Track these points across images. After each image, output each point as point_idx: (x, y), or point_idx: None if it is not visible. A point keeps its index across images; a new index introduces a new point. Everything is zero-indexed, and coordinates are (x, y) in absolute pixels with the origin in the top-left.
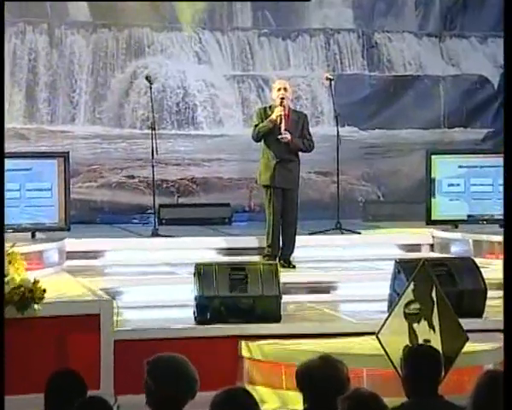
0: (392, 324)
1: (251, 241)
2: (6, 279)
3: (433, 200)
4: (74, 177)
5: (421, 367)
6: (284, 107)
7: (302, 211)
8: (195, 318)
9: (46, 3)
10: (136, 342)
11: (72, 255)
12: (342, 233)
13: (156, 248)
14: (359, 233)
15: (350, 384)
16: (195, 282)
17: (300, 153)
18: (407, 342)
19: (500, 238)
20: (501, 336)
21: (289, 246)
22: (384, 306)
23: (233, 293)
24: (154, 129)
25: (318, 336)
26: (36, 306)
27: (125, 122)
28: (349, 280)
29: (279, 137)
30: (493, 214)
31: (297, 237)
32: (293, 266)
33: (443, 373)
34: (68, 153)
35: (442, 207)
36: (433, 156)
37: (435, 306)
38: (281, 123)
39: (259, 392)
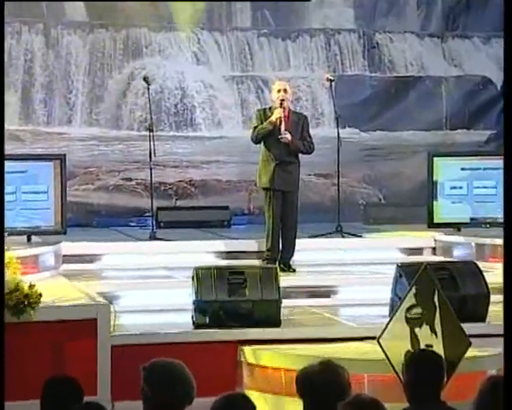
0: (393, 328)
1: (250, 244)
2: None
3: (435, 203)
4: (71, 179)
5: (422, 373)
6: (284, 108)
7: (302, 214)
8: (194, 322)
9: (42, 3)
10: (133, 347)
11: (68, 259)
12: (343, 236)
13: (154, 252)
14: (360, 236)
15: (351, 390)
16: (194, 286)
17: (300, 155)
18: (409, 347)
19: None
20: None
21: (289, 249)
22: (385, 310)
23: (232, 297)
24: (152, 131)
25: (319, 341)
26: (31, 310)
27: (122, 124)
28: (350, 284)
29: (279, 137)
30: (496, 217)
31: (297, 241)
32: (293, 270)
33: (445, 379)
34: (65, 155)
35: (444, 210)
36: (435, 158)
37: (437, 310)
38: (280, 125)
39: (259, 398)
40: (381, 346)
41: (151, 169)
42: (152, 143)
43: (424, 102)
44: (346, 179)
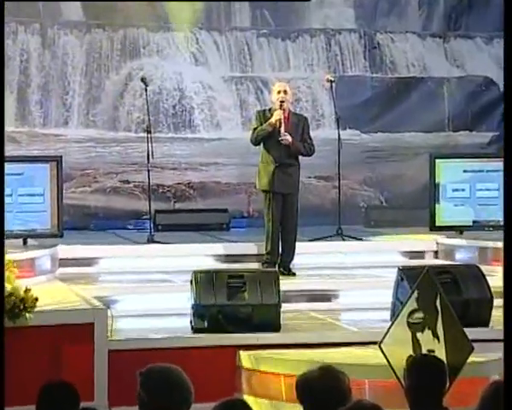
0: (395, 333)
1: (249, 247)
2: None
3: (437, 205)
4: (67, 182)
5: (424, 378)
6: (284, 110)
7: (302, 217)
8: (192, 327)
9: (38, 3)
10: (131, 352)
11: (65, 263)
12: (343, 240)
13: (152, 255)
14: (361, 240)
15: (351, 396)
16: (192, 290)
17: (300, 157)
18: (410, 352)
19: None
20: None
21: (289, 253)
22: (387, 314)
23: (231, 301)
24: (150, 132)
25: (319, 346)
26: (27, 315)
27: (119, 125)
28: (351, 288)
29: (280, 139)
30: (499, 220)
31: (297, 244)
32: (293, 274)
33: (447, 384)
34: (61, 157)
35: (446, 212)
36: (437, 160)
37: (439, 315)
38: (280, 127)
39: (258, 403)
40: (382, 351)
41: (149, 171)
42: (150, 144)
43: (426, 104)
44: (347, 182)
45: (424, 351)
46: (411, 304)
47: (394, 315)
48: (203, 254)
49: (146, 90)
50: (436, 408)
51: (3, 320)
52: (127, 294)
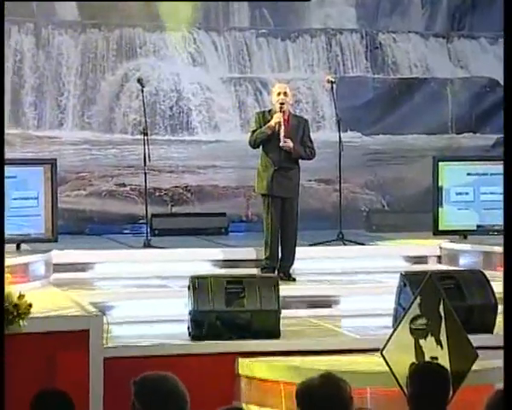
0: (397, 340)
1: (248, 252)
2: None
3: (440, 209)
4: (62, 185)
5: (427, 386)
6: (284, 112)
7: (302, 221)
8: (190, 333)
9: (32, 2)
10: (127, 359)
11: (59, 268)
12: (345, 244)
13: (148, 261)
14: (363, 244)
15: (353, 404)
16: (190, 296)
17: (301, 160)
18: (413, 359)
19: None
20: None
21: (289, 258)
22: (389, 321)
23: (229, 307)
24: (147, 134)
25: (319, 353)
26: (21, 321)
27: (115, 127)
28: (352, 294)
29: (281, 145)
30: None
31: (297, 249)
32: (293, 279)
33: (451, 393)
34: (56, 160)
35: (450, 216)
36: (440, 163)
37: (443, 321)
38: (279, 130)
39: None
40: (384, 358)
41: (145, 174)
42: (146, 147)
43: (429, 105)
44: (348, 185)
45: (427, 358)
46: (414, 310)
47: (396, 321)
48: (201, 260)
49: (142, 91)
50: None
51: (4, 322)
52: (123, 300)
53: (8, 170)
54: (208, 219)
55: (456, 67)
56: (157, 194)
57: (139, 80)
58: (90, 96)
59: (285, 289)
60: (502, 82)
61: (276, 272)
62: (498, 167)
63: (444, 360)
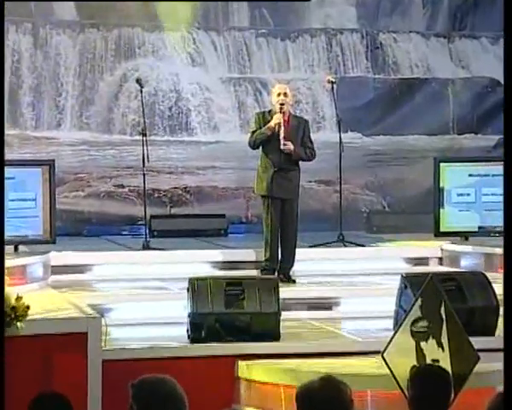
0: (398, 342)
1: (248, 254)
2: None
3: (441, 210)
4: (60, 186)
5: (429, 389)
6: (284, 113)
7: (302, 222)
8: (189, 336)
9: (30, 2)
10: (125, 362)
11: (57, 270)
12: (345, 246)
13: (147, 262)
14: (363, 246)
15: (353, 407)
16: (189, 298)
17: (301, 161)
18: (414, 361)
19: None
20: None
21: (289, 259)
22: (390, 323)
23: (229, 309)
24: (145, 135)
25: (320, 356)
26: (19, 324)
27: (114, 128)
28: (352, 296)
29: (281, 147)
30: None
31: (297, 250)
32: (293, 281)
33: (452, 395)
34: (54, 161)
35: (451, 218)
36: (441, 164)
37: (444, 323)
38: (279, 131)
39: None
40: (385, 361)
41: (144, 175)
42: (145, 148)
43: (430, 105)
44: (349, 186)
45: (428, 361)
46: (415, 312)
47: (397, 324)
48: (200, 261)
49: (141, 91)
50: None
51: (3, 323)
52: (122, 302)
53: (6, 171)
54: (207, 220)
55: (458, 67)
56: (156, 195)
57: (138, 81)
58: (88, 96)
59: (285, 291)
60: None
61: (276, 273)
62: (500, 168)
63: (445, 363)
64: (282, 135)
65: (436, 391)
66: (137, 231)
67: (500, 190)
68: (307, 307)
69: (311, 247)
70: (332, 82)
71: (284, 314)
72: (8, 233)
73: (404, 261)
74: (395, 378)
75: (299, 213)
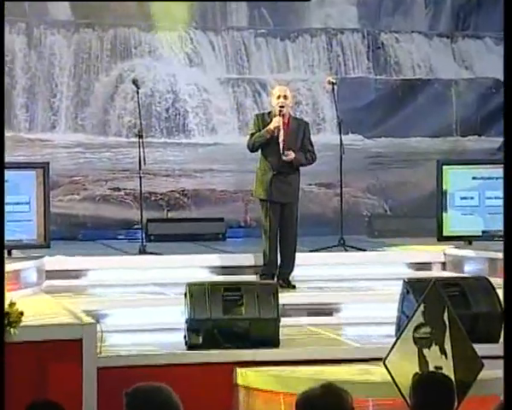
0: (400, 349)
1: (247, 259)
2: None
3: (444, 214)
4: (54, 189)
5: (431, 397)
6: (284, 115)
7: (302, 226)
8: (186, 342)
9: (24, 2)
10: (121, 369)
11: (51, 275)
12: (346, 250)
13: (144, 267)
14: (364, 250)
15: None
16: (186, 303)
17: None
18: (417, 369)
19: None
20: None
21: (288, 264)
22: (392, 329)
23: (227, 315)
24: (142, 137)
25: (320, 363)
26: (12, 330)
27: (109, 130)
28: (353, 301)
29: (283, 158)
30: None
31: (297, 255)
32: (293, 286)
33: (456, 403)
34: (48, 163)
35: (454, 222)
36: (444, 167)
37: (447, 329)
38: (279, 134)
39: None
40: (386, 368)
41: (141, 178)
42: (142, 150)
43: (432, 107)
44: (350, 189)
45: (431, 368)
46: (417, 318)
47: (399, 330)
48: (198, 266)
49: (138, 92)
50: None
51: (4, 324)
52: (117, 307)
53: None
54: (205, 224)
55: (461, 67)
56: (153, 198)
57: (134, 81)
58: (83, 97)
59: (284, 297)
60: None
61: (276, 278)
62: None
63: (448, 370)
64: (281, 138)
65: (439, 399)
66: (134, 236)
67: None
68: (307, 312)
69: (311, 251)
70: (332, 83)
71: (284, 320)
72: None
73: (406, 266)
74: (397, 386)
75: (299, 216)
